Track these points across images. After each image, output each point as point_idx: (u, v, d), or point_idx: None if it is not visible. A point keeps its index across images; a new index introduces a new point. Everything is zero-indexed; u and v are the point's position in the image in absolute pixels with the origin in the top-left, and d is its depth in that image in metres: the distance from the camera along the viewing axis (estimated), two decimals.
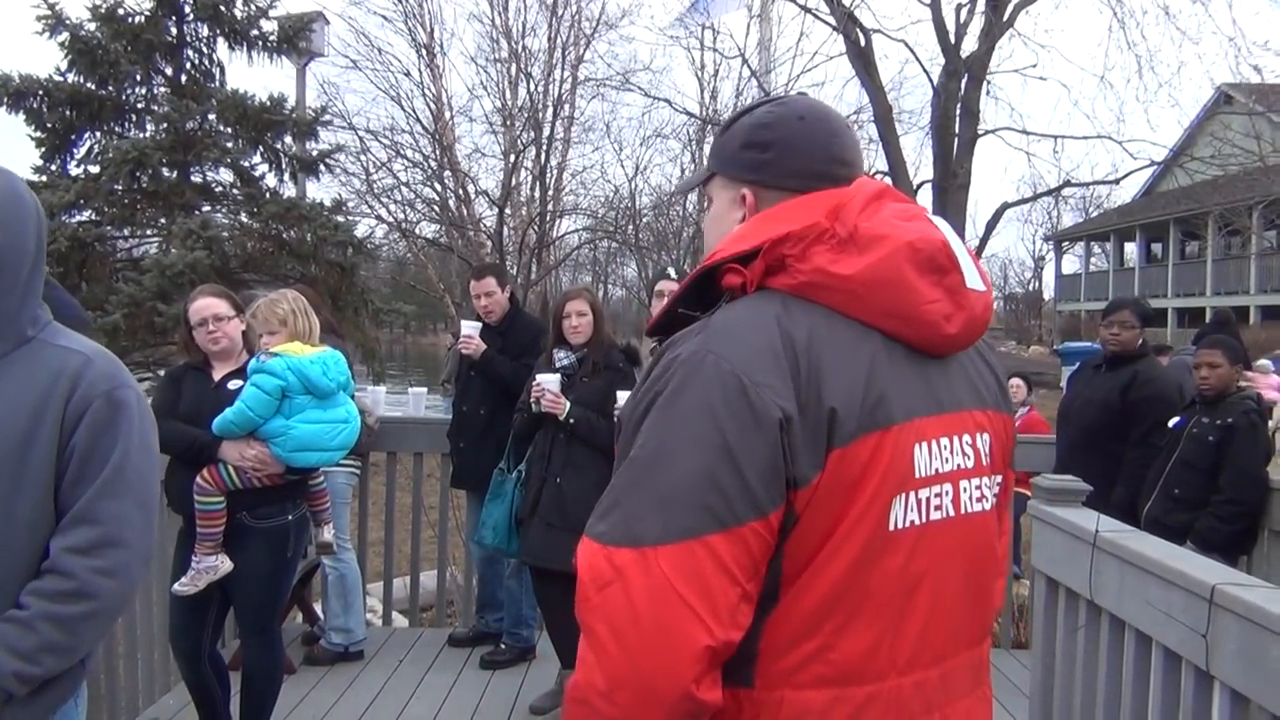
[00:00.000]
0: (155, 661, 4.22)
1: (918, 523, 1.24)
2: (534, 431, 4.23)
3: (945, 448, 1.27)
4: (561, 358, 4.23)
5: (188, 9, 12.32)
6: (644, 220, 20.64)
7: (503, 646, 4.92)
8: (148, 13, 12.15)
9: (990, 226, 12.59)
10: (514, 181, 18.27)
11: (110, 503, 1.75)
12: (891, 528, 1.21)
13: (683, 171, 23.49)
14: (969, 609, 1.33)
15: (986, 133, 11.99)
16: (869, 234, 1.24)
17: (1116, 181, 14.22)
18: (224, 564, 3.47)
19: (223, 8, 12.41)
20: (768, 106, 1.41)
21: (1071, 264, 42.29)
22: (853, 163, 1.39)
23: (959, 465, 1.29)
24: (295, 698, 4.34)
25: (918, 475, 1.24)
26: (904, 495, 1.22)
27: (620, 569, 1.13)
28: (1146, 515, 4.35)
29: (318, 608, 5.42)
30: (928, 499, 1.25)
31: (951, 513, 1.28)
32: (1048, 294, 45.94)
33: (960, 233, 12.16)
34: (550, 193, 18.54)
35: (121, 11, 12.00)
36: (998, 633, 5.50)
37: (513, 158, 18.27)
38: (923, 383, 1.27)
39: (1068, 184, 13.72)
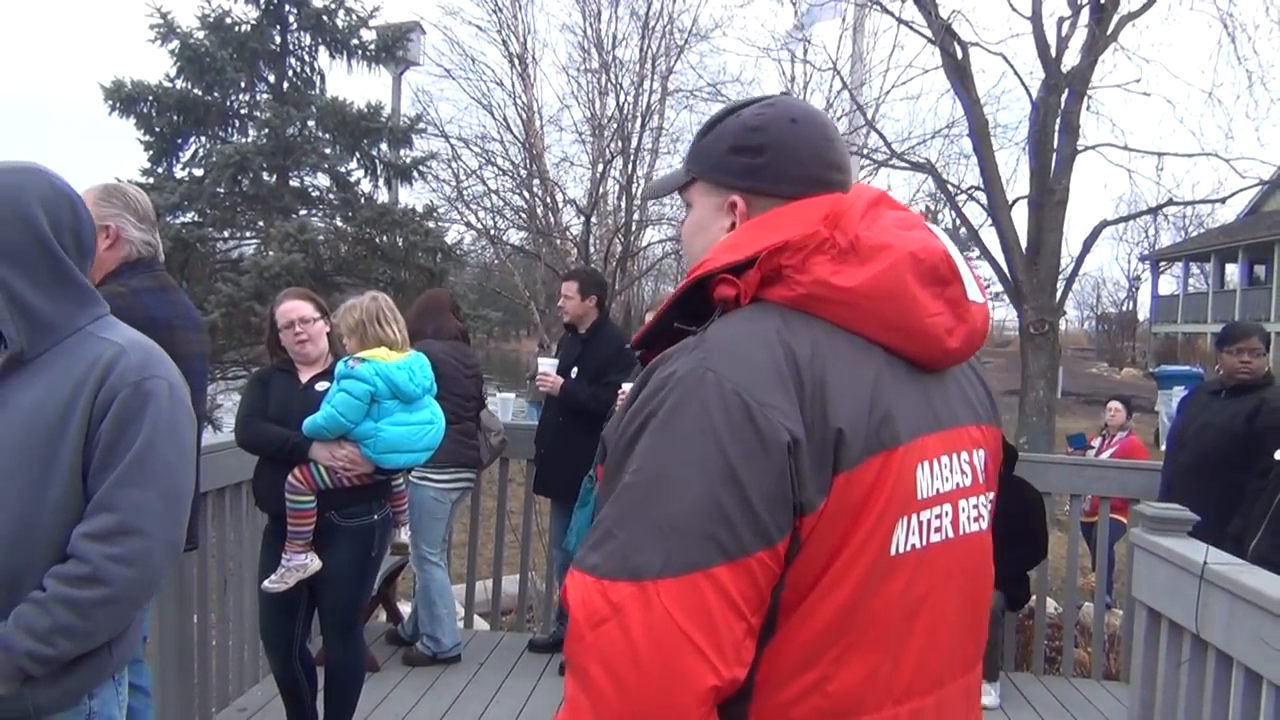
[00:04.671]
0: (245, 654, 4.34)
1: (918, 546, 1.19)
2: None
3: (945, 466, 1.23)
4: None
5: (292, 19, 12.70)
6: None
7: None
8: (254, 21, 12.56)
9: (1088, 245, 12.19)
10: (601, 191, 18.39)
11: (130, 491, 1.75)
12: (893, 552, 1.16)
13: None
14: (965, 633, 1.30)
15: (1086, 149, 11.61)
16: (870, 243, 1.19)
17: (1223, 200, 13.76)
18: (313, 562, 3.53)
19: (325, 18, 12.77)
20: (755, 108, 1.34)
21: (1168, 284, 41.06)
22: (846, 168, 1.34)
23: (958, 484, 1.26)
24: (378, 696, 4.40)
25: (920, 497, 1.19)
26: (906, 518, 1.17)
27: (617, 605, 1.05)
28: (1253, 551, 4.16)
29: (404, 608, 5.50)
30: (928, 520, 1.20)
31: (950, 534, 1.24)
32: (1142, 315, 44.64)
33: (1057, 251, 11.67)
34: (636, 202, 18.62)
35: (229, 20, 12.42)
36: (1089, 663, 5.34)
37: (600, 167, 18.42)
38: (923, 399, 1.23)
39: (1170, 202, 13.20)
